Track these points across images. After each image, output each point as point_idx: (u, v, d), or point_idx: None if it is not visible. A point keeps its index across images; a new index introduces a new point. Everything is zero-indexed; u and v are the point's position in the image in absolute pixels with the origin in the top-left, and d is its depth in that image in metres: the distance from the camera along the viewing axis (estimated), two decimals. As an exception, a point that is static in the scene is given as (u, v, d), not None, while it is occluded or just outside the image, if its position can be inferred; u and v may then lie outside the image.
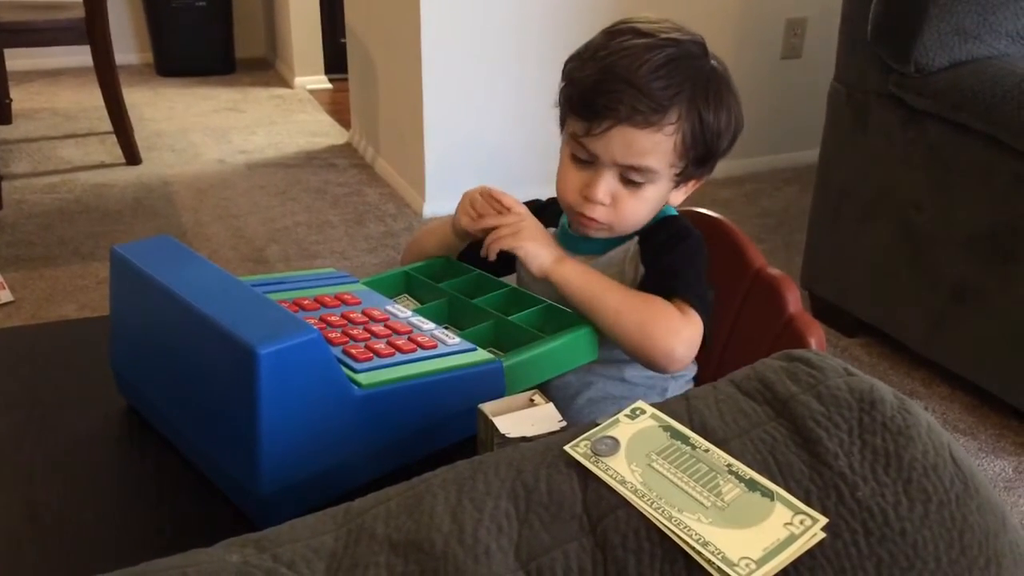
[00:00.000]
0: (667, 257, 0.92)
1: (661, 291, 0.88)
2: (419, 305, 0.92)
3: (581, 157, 0.91)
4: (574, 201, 0.93)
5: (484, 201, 0.94)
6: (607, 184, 0.90)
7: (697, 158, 0.91)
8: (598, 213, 0.91)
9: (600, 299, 0.86)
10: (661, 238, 0.94)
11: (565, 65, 0.94)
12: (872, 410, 0.50)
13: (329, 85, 4.22)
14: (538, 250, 0.89)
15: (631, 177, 0.90)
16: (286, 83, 4.28)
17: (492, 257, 0.92)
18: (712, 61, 0.91)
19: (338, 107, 3.87)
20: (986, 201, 1.71)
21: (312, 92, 4.14)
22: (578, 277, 0.87)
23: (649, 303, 0.86)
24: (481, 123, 2.72)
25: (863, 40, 1.86)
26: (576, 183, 0.92)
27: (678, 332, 0.85)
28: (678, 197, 0.97)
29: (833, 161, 2.05)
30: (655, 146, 0.88)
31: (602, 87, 0.87)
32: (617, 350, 0.88)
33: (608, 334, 0.86)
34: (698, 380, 1.02)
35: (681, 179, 0.93)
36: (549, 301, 0.89)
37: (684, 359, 0.86)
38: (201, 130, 3.55)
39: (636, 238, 0.96)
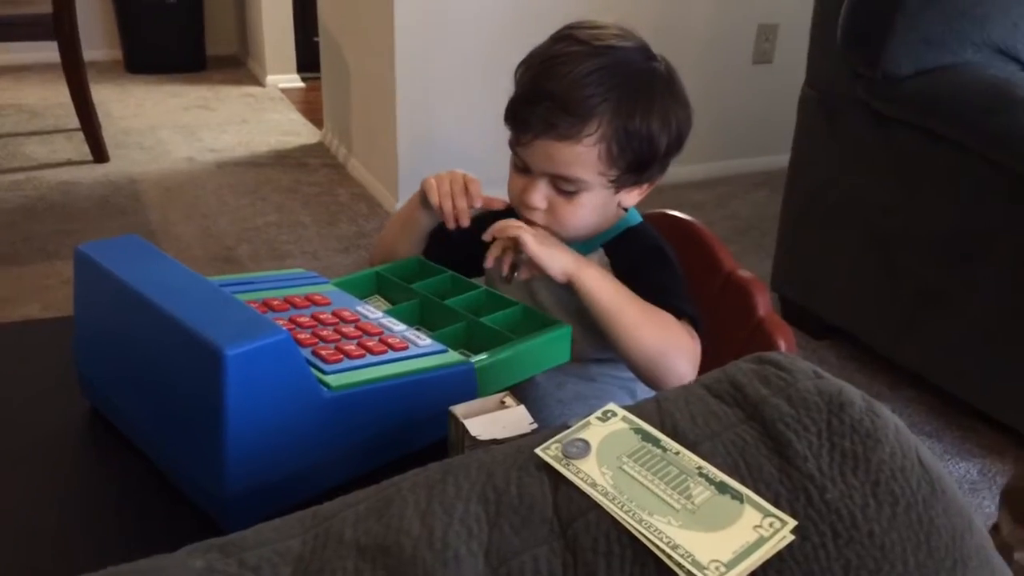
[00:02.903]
0: (652, 273, 0.92)
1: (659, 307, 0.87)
2: (390, 306, 0.92)
3: (517, 164, 0.93)
4: (517, 205, 0.94)
5: (460, 186, 0.94)
6: (540, 191, 0.91)
7: (630, 165, 0.90)
8: (537, 217, 0.92)
9: (623, 310, 0.84)
10: (633, 252, 0.94)
11: (515, 72, 0.94)
12: (841, 412, 0.50)
13: (301, 84, 4.19)
14: (555, 253, 0.86)
15: (562, 186, 0.90)
16: (257, 81, 4.24)
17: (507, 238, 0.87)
18: (655, 64, 0.91)
19: (310, 106, 3.84)
20: (953, 206, 1.74)
21: (284, 91, 4.11)
22: (605, 283, 0.85)
23: (667, 323, 0.86)
24: (454, 123, 2.71)
25: (833, 46, 1.88)
26: (517, 188, 0.93)
27: (689, 356, 0.86)
28: (630, 199, 0.95)
29: (803, 165, 2.07)
30: (576, 157, 0.87)
31: (526, 99, 0.89)
32: (587, 350, 0.88)
33: (620, 346, 0.85)
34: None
35: (620, 185, 0.91)
36: (521, 303, 0.89)
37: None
38: (170, 128, 3.51)
39: (601, 249, 0.96)
